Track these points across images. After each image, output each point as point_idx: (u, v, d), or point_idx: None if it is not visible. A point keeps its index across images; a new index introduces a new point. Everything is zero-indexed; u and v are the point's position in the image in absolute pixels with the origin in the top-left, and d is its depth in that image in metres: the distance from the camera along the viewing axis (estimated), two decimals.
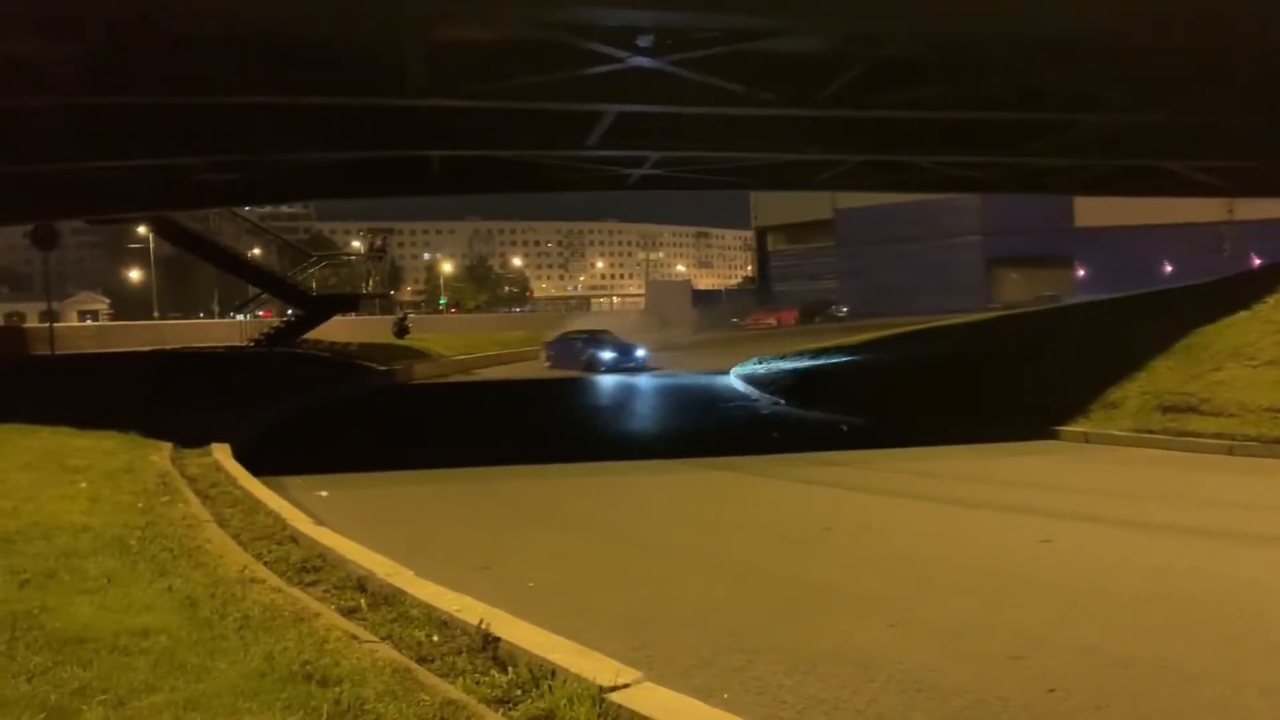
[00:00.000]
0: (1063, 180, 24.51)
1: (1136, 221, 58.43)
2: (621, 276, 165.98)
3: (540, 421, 20.06)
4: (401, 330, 43.54)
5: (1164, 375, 14.20)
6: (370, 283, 38.32)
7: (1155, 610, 5.91)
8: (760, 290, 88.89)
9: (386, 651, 4.69)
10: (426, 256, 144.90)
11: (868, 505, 10.16)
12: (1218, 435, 12.15)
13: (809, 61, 14.13)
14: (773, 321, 65.38)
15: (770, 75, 14.28)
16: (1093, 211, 61.65)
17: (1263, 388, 12.71)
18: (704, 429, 17.49)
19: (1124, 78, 14.65)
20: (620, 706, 3.91)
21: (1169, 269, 60.27)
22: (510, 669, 4.47)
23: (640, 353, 32.13)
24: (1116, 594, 6.26)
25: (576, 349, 33.68)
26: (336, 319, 36.43)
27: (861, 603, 6.27)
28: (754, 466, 12.71)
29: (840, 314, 64.86)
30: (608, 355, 31.82)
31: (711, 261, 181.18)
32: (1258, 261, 41.98)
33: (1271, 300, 15.31)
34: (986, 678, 4.77)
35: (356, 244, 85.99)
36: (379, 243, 41.34)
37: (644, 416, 20.04)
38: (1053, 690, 4.59)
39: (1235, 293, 16.66)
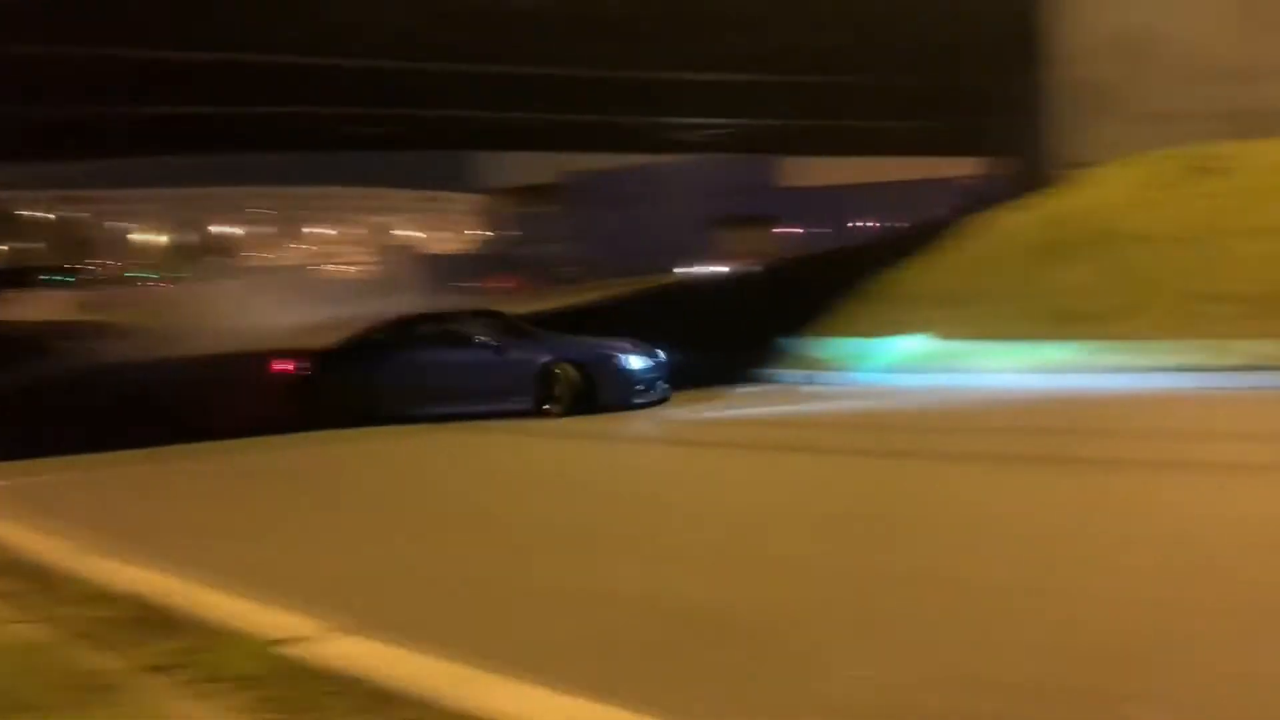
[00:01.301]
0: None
1: (840, 182, 63.18)
2: (346, 242, 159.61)
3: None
4: (95, 306, 40.43)
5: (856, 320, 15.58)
6: (55, 255, 34.92)
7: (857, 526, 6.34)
8: (491, 254, 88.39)
9: (31, 630, 4.26)
10: (127, 226, 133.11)
11: (608, 452, 10.56)
12: None
13: None
14: (504, 285, 65.21)
15: None
16: (801, 173, 66.03)
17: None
18: None
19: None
20: (291, 657, 3.74)
21: (869, 225, 65.35)
22: (177, 637, 4.17)
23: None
24: (810, 515, 6.68)
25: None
26: (17, 296, 33.02)
27: (612, 542, 6.18)
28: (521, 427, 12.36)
29: (569, 276, 65.36)
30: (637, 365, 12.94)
31: (442, 226, 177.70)
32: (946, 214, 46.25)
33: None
34: (728, 599, 4.67)
35: (40, 215, 78.09)
36: (59, 214, 37.79)
37: None
38: (794, 605, 4.57)
39: (917, 242, 18.38)
